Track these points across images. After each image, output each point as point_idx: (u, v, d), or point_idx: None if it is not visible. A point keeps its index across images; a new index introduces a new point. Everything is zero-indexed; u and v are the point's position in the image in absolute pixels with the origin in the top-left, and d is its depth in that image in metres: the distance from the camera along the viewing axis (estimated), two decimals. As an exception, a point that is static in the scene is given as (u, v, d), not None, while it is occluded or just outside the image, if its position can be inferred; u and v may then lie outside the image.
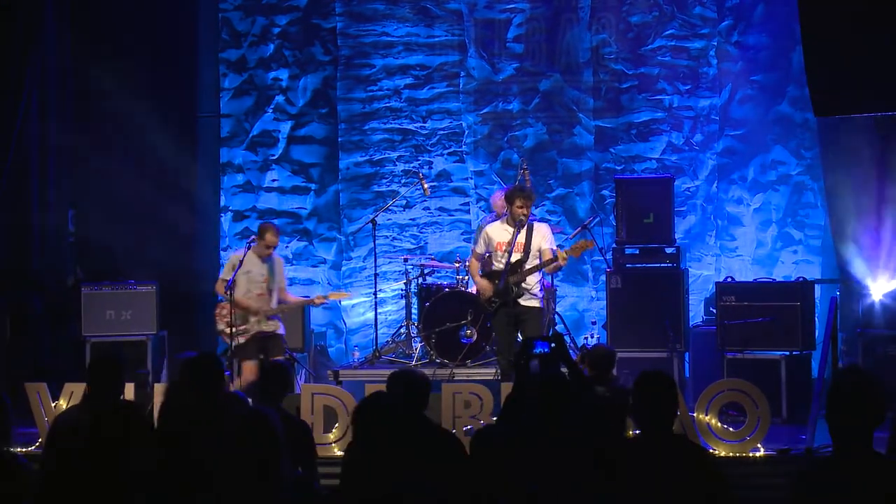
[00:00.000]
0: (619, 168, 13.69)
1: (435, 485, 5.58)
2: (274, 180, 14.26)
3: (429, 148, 14.11)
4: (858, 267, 11.72)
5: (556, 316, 12.10)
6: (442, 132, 14.10)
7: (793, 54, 13.15)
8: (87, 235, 12.95)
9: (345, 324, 14.04)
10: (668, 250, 11.68)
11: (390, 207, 13.55)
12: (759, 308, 11.11)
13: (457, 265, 12.46)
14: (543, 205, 13.64)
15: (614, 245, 11.89)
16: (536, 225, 10.39)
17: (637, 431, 5.64)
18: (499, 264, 10.27)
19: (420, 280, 12.63)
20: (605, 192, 13.66)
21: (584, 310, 13.68)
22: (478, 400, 9.29)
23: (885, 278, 11.44)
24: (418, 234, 14.10)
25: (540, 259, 10.21)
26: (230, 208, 14.20)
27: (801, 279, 11.51)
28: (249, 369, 10.72)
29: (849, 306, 11.68)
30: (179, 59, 13.28)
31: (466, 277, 12.27)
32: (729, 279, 11.77)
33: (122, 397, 6.99)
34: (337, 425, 9.24)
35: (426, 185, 12.84)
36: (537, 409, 5.62)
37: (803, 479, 4.75)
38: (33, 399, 9.68)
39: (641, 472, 5.33)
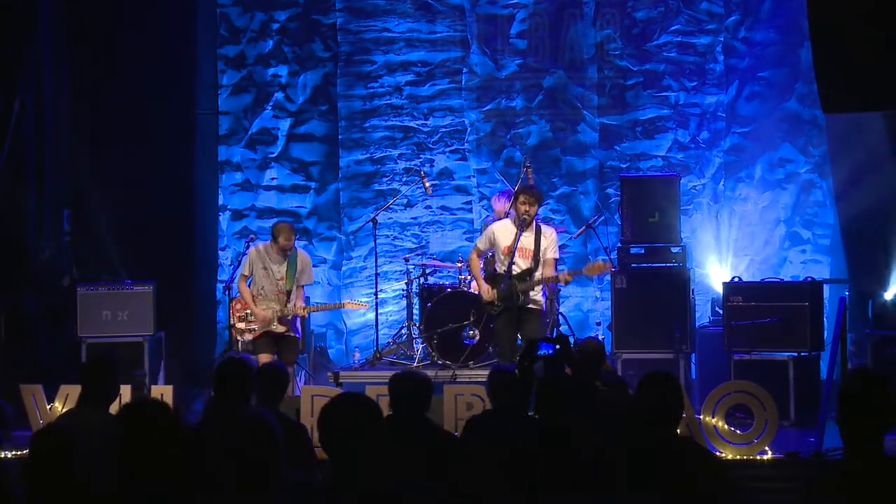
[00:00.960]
0: (624, 166, 13.68)
1: (435, 486, 5.57)
2: (273, 178, 14.25)
3: (430, 145, 14.10)
4: (868, 267, 11.72)
5: (560, 317, 12.09)
6: (444, 129, 14.09)
7: (801, 50, 13.14)
8: (83, 235, 12.93)
9: (345, 324, 14.03)
10: (674, 250, 11.67)
11: (391, 206, 13.54)
12: (767, 308, 11.08)
13: (459, 265, 12.45)
14: (547, 203, 13.62)
15: (619, 244, 11.87)
16: (545, 229, 10.35)
17: (642, 434, 5.61)
18: (502, 267, 10.24)
19: (421, 280, 12.62)
20: (610, 191, 13.66)
21: (588, 310, 13.67)
22: (480, 402, 9.29)
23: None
24: (420, 233, 14.09)
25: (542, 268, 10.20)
26: (229, 207, 14.19)
27: (809, 279, 11.49)
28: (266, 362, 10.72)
29: (858, 307, 11.66)
30: (177, 55, 13.26)
31: (469, 277, 12.25)
32: (736, 279, 11.75)
33: (118, 399, 6.98)
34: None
35: (428, 184, 12.82)
36: (539, 410, 5.61)
37: (813, 483, 4.74)
38: (28, 401, 9.69)
39: (648, 476, 5.31)
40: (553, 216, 13.60)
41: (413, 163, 14.05)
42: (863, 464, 4.62)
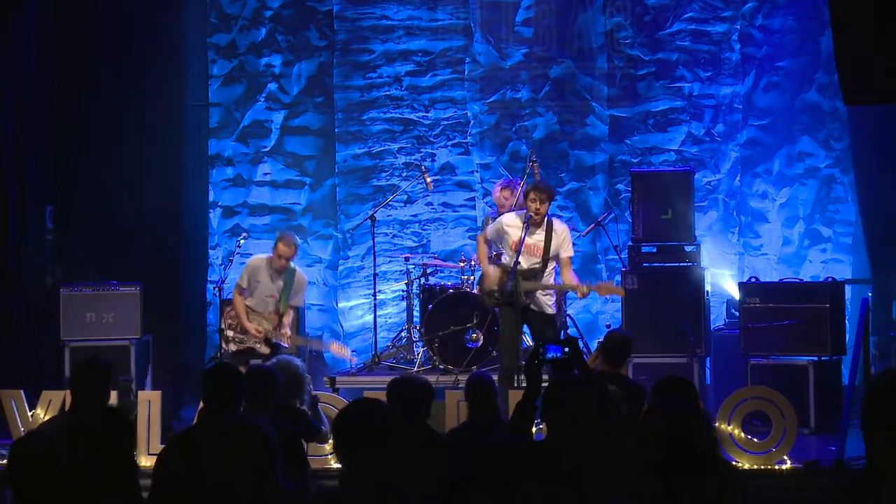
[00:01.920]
0: (635, 160, 13.67)
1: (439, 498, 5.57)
2: (266, 174, 14.25)
3: (432, 139, 14.10)
4: (892, 266, 11.70)
5: (568, 319, 12.09)
6: (446, 122, 14.09)
7: (821, 38, 13.13)
8: (67, 233, 12.92)
9: (342, 327, 14.03)
10: (688, 248, 11.66)
11: (390, 203, 13.54)
12: (786, 310, 11.08)
13: (461, 264, 12.45)
14: (555, 200, 13.59)
15: (630, 243, 11.87)
16: (556, 225, 10.30)
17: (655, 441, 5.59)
18: (510, 262, 10.22)
19: (422, 280, 12.62)
20: (621, 187, 13.65)
21: (597, 312, 13.66)
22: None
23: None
24: (420, 231, 14.09)
25: (557, 270, 10.18)
26: (219, 203, 14.19)
27: (830, 279, 11.48)
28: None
29: (881, 308, 11.65)
30: (165, 44, 13.24)
31: (472, 278, 12.26)
32: (753, 279, 11.74)
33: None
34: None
35: (429, 179, 12.83)
36: (545, 419, 5.60)
37: (834, 494, 4.72)
38: (8, 407, 9.68)
39: (660, 486, 5.29)
40: (561, 213, 13.59)
41: (413, 157, 14.04)
42: (887, 474, 4.60)
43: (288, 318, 11.16)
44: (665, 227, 11.68)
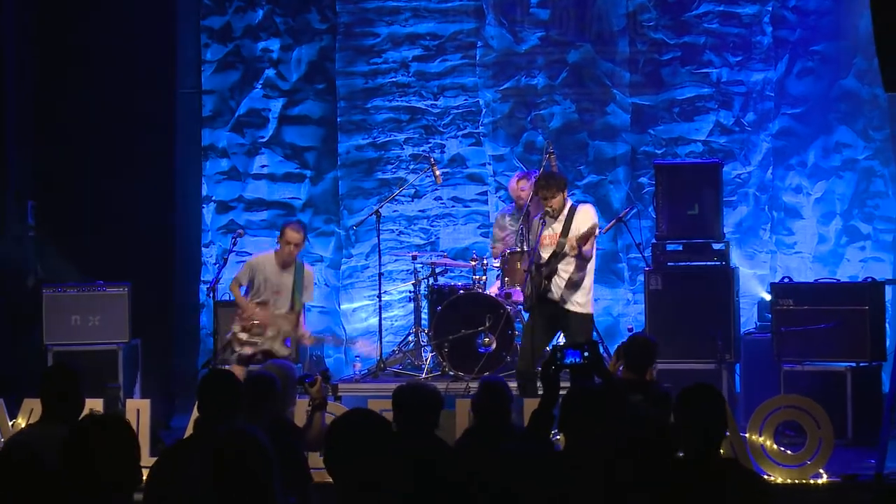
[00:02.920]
0: (659, 152, 13.66)
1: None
2: (263, 166, 14.26)
3: (441, 129, 14.10)
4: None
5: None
6: (456, 111, 14.09)
7: (859, 20, 13.09)
8: (50, 230, 12.93)
9: (344, 330, 14.03)
10: (716, 246, 11.64)
11: (397, 197, 13.53)
12: (821, 313, 11.06)
13: (473, 263, 12.44)
14: (573, 194, 13.58)
15: (654, 240, 11.85)
16: (579, 208, 10.42)
17: (680, 454, 5.60)
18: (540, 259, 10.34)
19: (431, 281, 12.62)
20: (644, 180, 13.64)
21: (619, 315, 13.66)
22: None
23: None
24: (429, 227, 14.09)
25: (586, 253, 10.21)
26: (213, 198, 14.20)
27: (869, 279, 11.46)
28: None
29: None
30: (155, 27, 13.25)
31: (484, 277, 12.25)
32: (786, 280, 11.72)
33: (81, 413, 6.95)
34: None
35: (438, 172, 12.82)
36: (563, 428, 5.58)
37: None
38: (-14, 416, 9.70)
39: (685, 501, 5.29)
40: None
41: (421, 148, 14.04)
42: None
43: (302, 317, 11.19)
44: (691, 223, 11.67)
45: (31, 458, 5.03)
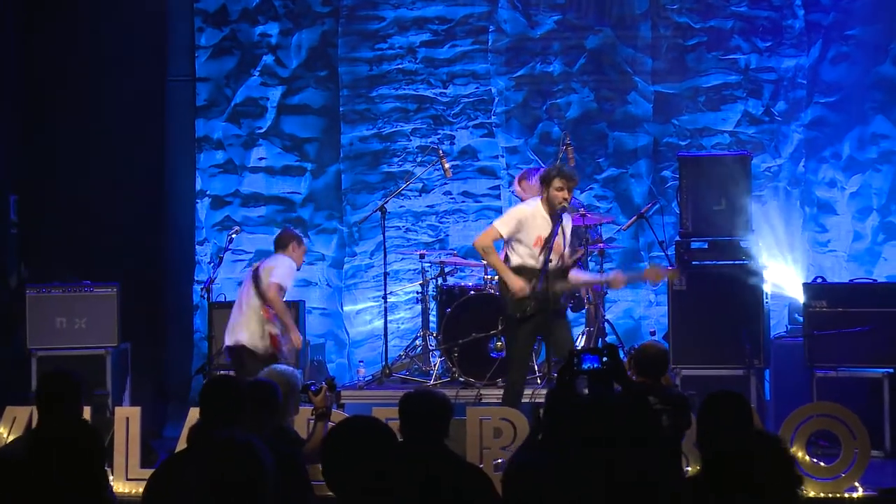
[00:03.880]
0: (683, 143, 13.66)
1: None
2: (261, 159, 14.27)
3: (450, 119, 14.10)
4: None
5: (606, 324, 12.07)
6: (466, 100, 14.09)
7: (898, 3, 13.11)
8: (34, 226, 12.95)
9: (347, 334, 14.04)
10: (744, 244, 11.63)
11: (403, 192, 13.53)
12: (857, 315, 11.06)
13: (484, 262, 12.42)
14: (591, 188, 13.61)
15: (678, 238, 11.84)
16: (565, 219, 10.20)
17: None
18: (533, 262, 10.12)
19: (439, 281, 12.61)
20: (667, 173, 13.64)
21: (640, 317, 13.65)
22: (510, 427, 9.28)
23: None
24: (437, 224, 14.09)
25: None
26: (208, 193, 14.21)
27: (908, 280, 11.46)
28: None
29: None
30: (145, 10, 13.27)
31: (497, 278, 12.24)
32: (819, 280, 11.71)
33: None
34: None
35: (447, 165, 12.81)
36: (576, 438, 5.57)
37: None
38: (-33, 425, 9.72)
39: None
40: (598, 204, 13.58)
41: (429, 140, 14.05)
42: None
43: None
44: (718, 219, 11.65)
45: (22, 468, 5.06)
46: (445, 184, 13.95)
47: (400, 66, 14.14)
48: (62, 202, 12.92)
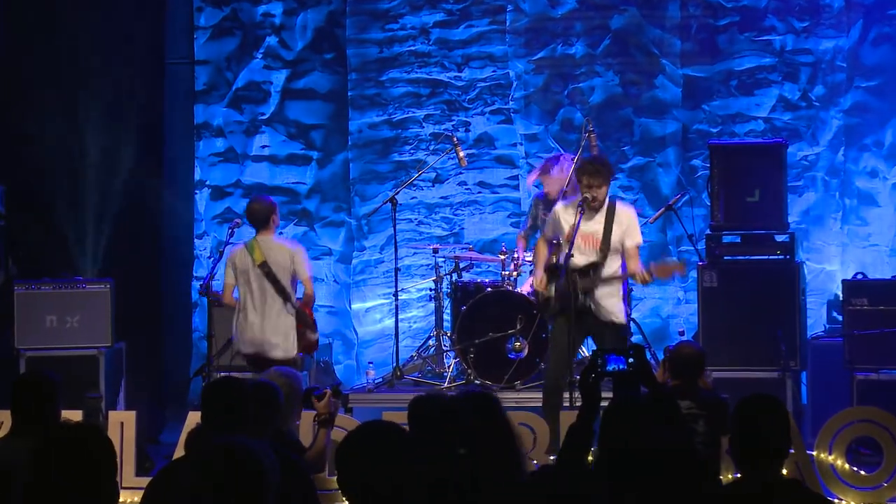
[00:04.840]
0: (714, 131, 13.65)
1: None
2: (264, 147, 14.28)
3: (466, 105, 14.10)
4: None
5: (632, 323, 12.06)
6: (483, 84, 14.09)
7: (945, -21, 13.09)
8: (22, 219, 12.97)
9: (356, 333, 14.05)
10: (780, 238, 11.62)
11: (415, 182, 13.53)
12: (900, 314, 11.07)
13: (502, 257, 12.42)
14: (616, 178, 13.57)
15: (708, 231, 11.84)
16: (620, 208, 10.30)
17: (737, 475, 5.59)
18: (575, 259, 10.21)
19: (454, 277, 12.61)
20: (697, 162, 13.63)
21: (668, 316, 13.64)
22: (530, 434, 9.32)
23: None
24: (452, 216, 14.09)
25: (623, 265, 10.16)
26: (207, 183, 14.22)
27: (954, 276, 11.44)
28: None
29: None
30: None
31: (515, 273, 12.24)
32: (859, 276, 11.69)
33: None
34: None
35: (462, 154, 12.81)
36: (602, 444, 5.57)
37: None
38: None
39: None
40: (623, 195, 13.56)
41: (443, 126, 14.04)
42: None
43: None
44: (751, 211, 11.65)
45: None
46: (460, 173, 13.95)
47: (412, 48, 14.14)
48: (53, 193, 12.93)
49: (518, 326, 11.69)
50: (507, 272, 12.30)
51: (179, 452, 9.13)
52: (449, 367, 12.31)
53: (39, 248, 12.86)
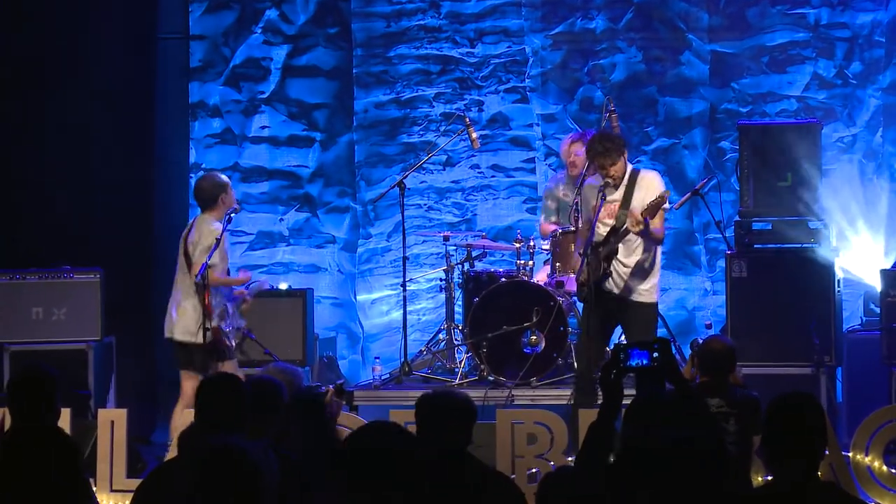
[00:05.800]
0: (744, 110, 13.64)
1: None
2: (264, 127, 14.30)
3: (479, 82, 14.10)
4: None
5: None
6: (497, 60, 14.09)
7: None
8: (5, 204, 12.98)
9: (362, 326, 14.06)
10: (813, 225, 11.60)
11: (425, 165, 13.53)
12: (942, 306, 11.06)
13: (517, 245, 12.40)
14: (639, 161, 13.54)
15: (737, 218, 11.81)
16: (642, 174, 10.38)
17: (769, 477, 5.57)
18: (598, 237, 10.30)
19: (466, 266, 12.60)
20: (725, 144, 13.62)
21: (694, 307, 13.64)
22: (546, 433, 9.31)
23: None
24: (464, 202, 14.10)
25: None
26: (203, 166, 14.22)
27: None
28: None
29: None
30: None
31: (531, 262, 12.23)
32: (899, 266, 11.69)
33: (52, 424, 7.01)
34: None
35: (475, 135, 12.79)
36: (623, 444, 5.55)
37: None
38: (-70, 429, 9.74)
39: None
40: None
41: (455, 106, 14.04)
42: None
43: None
44: (783, 197, 11.63)
45: None
46: (473, 156, 13.95)
47: (421, 22, 14.13)
48: (38, 178, 12.93)
49: (534, 319, 11.67)
50: (522, 261, 12.28)
51: (172, 453, 9.13)
52: (460, 362, 12.29)
53: (23, 235, 12.86)
